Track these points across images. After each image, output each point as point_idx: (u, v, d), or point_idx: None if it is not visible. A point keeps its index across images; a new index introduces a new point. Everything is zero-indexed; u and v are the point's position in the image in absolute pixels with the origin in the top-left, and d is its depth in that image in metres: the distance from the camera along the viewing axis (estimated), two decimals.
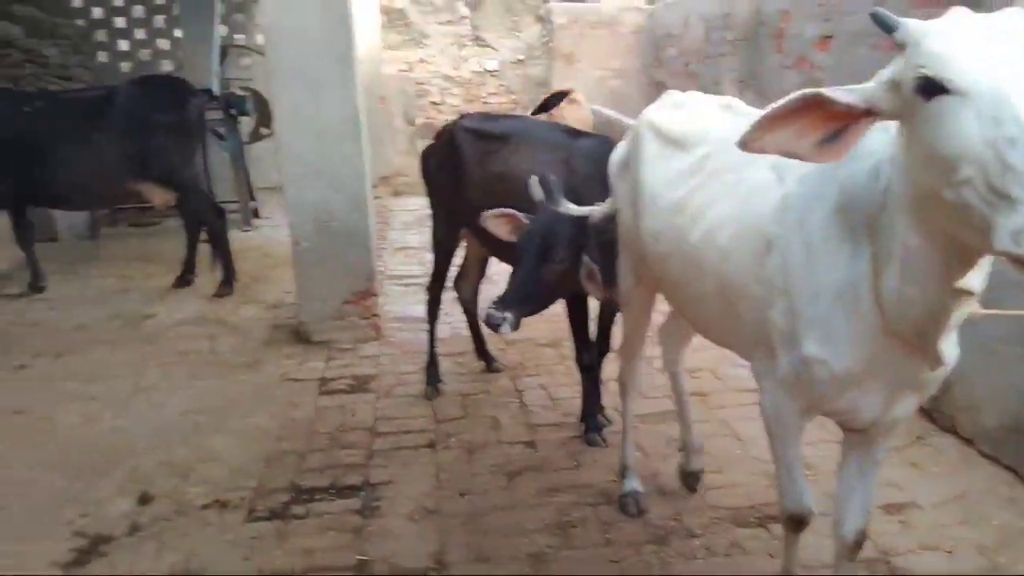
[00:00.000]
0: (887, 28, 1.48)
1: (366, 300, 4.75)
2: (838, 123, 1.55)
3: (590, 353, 3.49)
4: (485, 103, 12.28)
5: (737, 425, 3.55)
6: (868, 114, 1.53)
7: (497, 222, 2.96)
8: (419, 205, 8.74)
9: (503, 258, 3.77)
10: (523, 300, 2.79)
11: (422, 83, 11.93)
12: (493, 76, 12.30)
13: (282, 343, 4.74)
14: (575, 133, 3.60)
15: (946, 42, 1.36)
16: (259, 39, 8.38)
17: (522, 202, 3.30)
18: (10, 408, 3.92)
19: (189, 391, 4.11)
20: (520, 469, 3.27)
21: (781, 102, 1.55)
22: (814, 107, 1.54)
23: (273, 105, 4.49)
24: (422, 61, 12.04)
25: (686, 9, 8.40)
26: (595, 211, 2.85)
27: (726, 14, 7.17)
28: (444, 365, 4.35)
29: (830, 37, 5.55)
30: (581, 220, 2.83)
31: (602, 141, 3.40)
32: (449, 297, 5.50)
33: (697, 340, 2.92)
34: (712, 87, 7.71)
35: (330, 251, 4.60)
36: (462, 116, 3.99)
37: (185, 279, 5.87)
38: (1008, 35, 1.33)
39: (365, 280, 4.72)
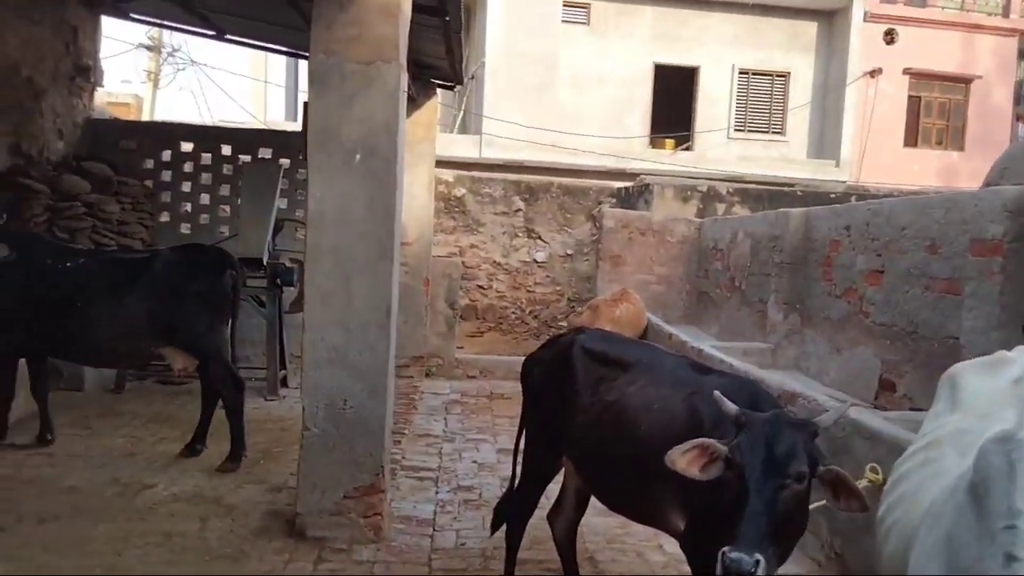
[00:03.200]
0: None
1: (370, 496, 4.44)
2: None
3: None
4: (530, 291, 12.43)
5: None
6: None
7: (687, 459, 2.47)
8: (450, 389, 8.60)
9: (606, 498, 3.41)
10: (769, 535, 2.30)
11: (472, 267, 12.18)
12: (540, 267, 12.52)
13: (273, 534, 4.41)
14: (703, 369, 3.31)
15: None
16: None
17: (633, 438, 3.03)
18: None
19: None
20: None
21: None
22: None
23: (305, 286, 4.45)
24: (473, 247, 12.34)
25: (734, 226, 8.48)
26: (828, 418, 2.53)
27: (775, 235, 7.18)
28: None
29: (881, 272, 5.44)
30: (813, 427, 2.47)
31: (734, 381, 3.09)
32: (459, 499, 5.23)
33: None
34: (758, 304, 7.60)
35: (339, 439, 4.37)
36: (579, 330, 3.72)
37: (194, 448, 5.66)
38: None
39: (371, 474, 4.43)
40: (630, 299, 8.56)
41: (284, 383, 7.81)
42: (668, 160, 17.41)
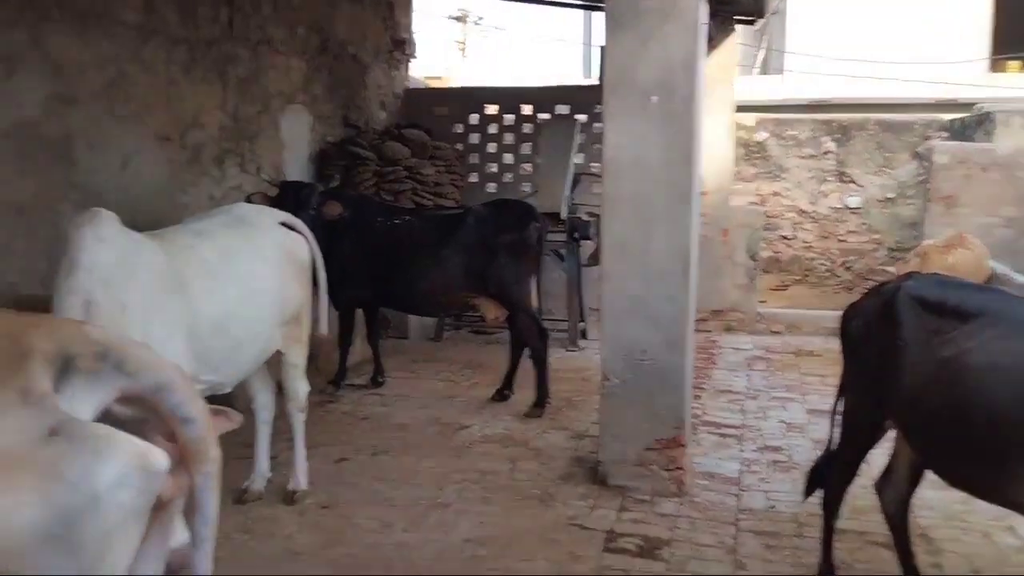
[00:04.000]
0: None
1: (671, 449, 4.33)
2: None
3: None
4: (841, 240, 11.42)
5: None
6: None
7: None
8: (751, 344, 8.17)
9: (942, 472, 2.97)
10: None
11: (774, 216, 11.46)
12: (854, 213, 11.43)
13: (577, 480, 4.49)
14: None
15: None
16: None
17: (975, 403, 2.61)
18: (320, 502, 4.15)
19: (478, 516, 4.03)
20: None
21: None
22: None
23: (602, 235, 4.40)
24: (776, 194, 11.59)
25: None
26: None
27: None
28: (749, 545, 3.76)
29: None
30: None
31: None
32: (767, 459, 4.92)
33: None
34: None
35: (639, 391, 4.30)
36: (908, 276, 3.23)
37: (503, 394, 5.99)
38: None
39: (673, 427, 4.32)
40: (967, 244, 7.36)
41: (584, 335, 7.96)
42: (1015, 85, 14.83)
